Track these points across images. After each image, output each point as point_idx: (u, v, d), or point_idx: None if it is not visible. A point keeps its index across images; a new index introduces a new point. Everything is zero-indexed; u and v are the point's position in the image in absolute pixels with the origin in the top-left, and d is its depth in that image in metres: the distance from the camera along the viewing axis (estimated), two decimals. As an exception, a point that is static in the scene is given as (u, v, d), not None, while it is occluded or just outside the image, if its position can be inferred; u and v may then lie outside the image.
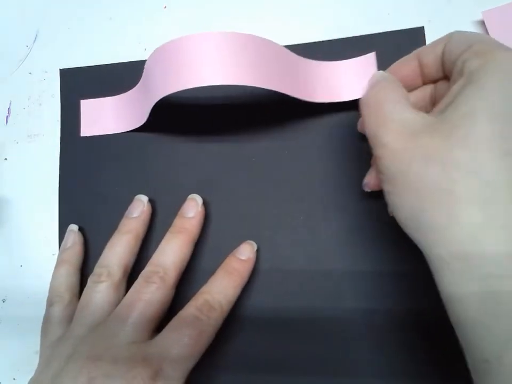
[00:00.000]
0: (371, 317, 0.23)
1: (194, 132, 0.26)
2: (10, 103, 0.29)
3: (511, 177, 0.15)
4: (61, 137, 0.28)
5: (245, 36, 0.20)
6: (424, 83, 0.21)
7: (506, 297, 0.14)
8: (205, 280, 0.23)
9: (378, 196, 0.24)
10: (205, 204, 0.25)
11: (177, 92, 0.20)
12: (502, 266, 0.14)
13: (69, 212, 0.27)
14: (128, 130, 0.26)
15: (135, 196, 0.26)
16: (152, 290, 0.21)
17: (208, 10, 0.29)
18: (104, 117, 0.27)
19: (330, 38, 0.26)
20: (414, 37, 0.25)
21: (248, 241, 0.24)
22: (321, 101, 0.24)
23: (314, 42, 0.26)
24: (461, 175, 0.15)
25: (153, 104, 0.23)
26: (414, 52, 0.20)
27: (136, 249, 0.24)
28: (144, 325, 0.21)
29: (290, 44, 0.27)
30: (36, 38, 0.30)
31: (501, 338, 0.14)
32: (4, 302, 0.27)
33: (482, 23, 0.25)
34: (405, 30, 0.26)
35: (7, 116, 0.29)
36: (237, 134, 0.26)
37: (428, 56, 0.20)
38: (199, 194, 0.25)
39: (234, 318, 0.23)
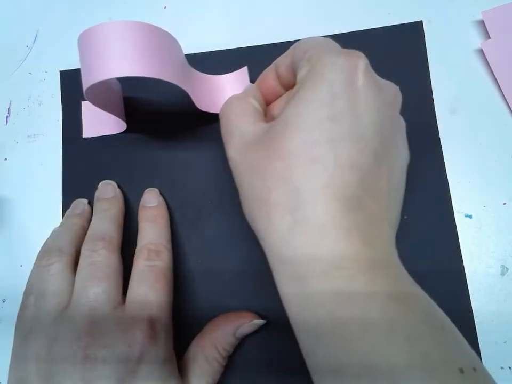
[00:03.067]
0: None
1: (197, 131, 0.26)
2: (10, 103, 0.29)
3: (317, 184, 0.15)
4: (62, 138, 0.28)
5: (148, 26, 0.19)
6: (287, 90, 0.21)
7: (314, 296, 0.15)
8: (208, 278, 0.23)
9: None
10: (210, 202, 0.25)
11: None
12: (308, 267, 0.15)
13: None
14: (123, 130, 0.26)
15: (139, 195, 0.26)
16: (100, 253, 0.21)
17: (208, 10, 0.29)
18: (106, 117, 0.27)
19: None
20: (412, 31, 0.26)
21: (149, 188, 0.25)
22: (206, 110, 0.23)
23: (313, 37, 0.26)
24: (275, 184, 0.16)
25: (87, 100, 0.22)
26: (274, 62, 0.21)
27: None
28: (115, 289, 0.21)
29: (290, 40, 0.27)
30: (35, 38, 0.30)
31: (313, 335, 0.15)
32: (3, 302, 0.27)
33: (482, 23, 0.25)
34: (403, 24, 0.26)
35: (7, 116, 0.29)
36: None
37: (281, 67, 0.20)
38: (202, 193, 0.25)
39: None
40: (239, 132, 0.18)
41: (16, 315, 0.22)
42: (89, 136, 0.27)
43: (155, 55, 0.19)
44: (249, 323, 0.22)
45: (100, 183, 0.26)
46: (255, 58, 0.25)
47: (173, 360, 0.20)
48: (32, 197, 0.28)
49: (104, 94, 0.24)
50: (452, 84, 0.25)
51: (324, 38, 0.19)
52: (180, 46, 0.21)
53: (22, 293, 0.22)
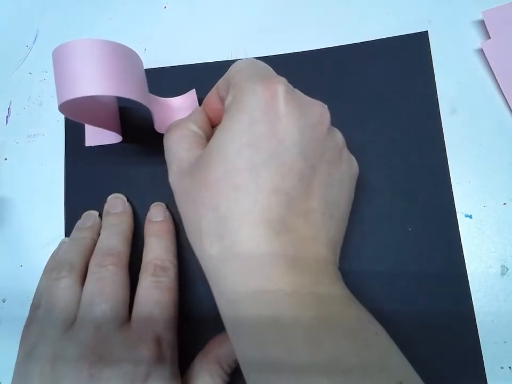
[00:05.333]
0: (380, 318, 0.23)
1: None
2: (10, 103, 0.29)
3: (240, 210, 0.16)
4: (65, 146, 0.28)
5: (113, 44, 0.19)
6: None
7: (242, 321, 0.15)
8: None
9: (387, 198, 0.24)
10: None
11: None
12: (237, 292, 0.15)
13: (75, 222, 0.26)
14: (127, 140, 0.26)
15: (141, 204, 0.25)
16: (108, 269, 0.21)
17: (208, 10, 0.29)
18: None
19: (329, 39, 0.26)
20: (417, 41, 0.25)
21: (155, 203, 0.25)
22: (161, 132, 0.22)
23: (323, 48, 0.26)
24: (204, 213, 0.16)
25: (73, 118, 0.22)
26: (215, 85, 0.21)
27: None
28: (122, 306, 0.21)
29: (292, 47, 0.27)
30: (35, 38, 0.30)
31: (244, 357, 0.16)
32: (4, 302, 0.27)
33: (482, 23, 0.25)
34: (408, 35, 0.25)
35: (7, 116, 0.29)
36: None
37: (221, 89, 0.20)
38: None
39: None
40: (176, 159, 0.19)
41: (15, 315, 0.22)
42: (92, 145, 0.27)
43: (122, 74, 0.19)
44: None
45: (109, 197, 0.25)
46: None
47: (178, 377, 0.20)
48: (32, 197, 0.28)
49: (87, 109, 0.23)
50: (452, 84, 0.25)
51: (251, 61, 0.19)
52: (143, 66, 0.21)
53: (22, 293, 0.22)
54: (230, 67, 0.19)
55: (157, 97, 0.24)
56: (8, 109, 0.29)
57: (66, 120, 0.28)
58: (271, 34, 0.27)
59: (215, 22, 0.28)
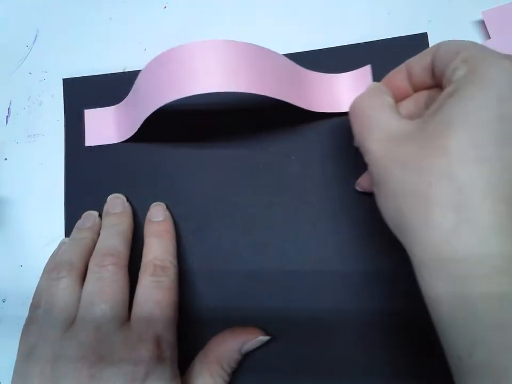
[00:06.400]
0: (381, 318, 0.23)
1: (200, 141, 0.26)
2: (10, 103, 0.29)
3: (484, 183, 0.15)
4: (65, 146, 0.28)
5: (244, 45, 0.20)
6: (415, 91, 0.21)
7: (475, 297, 0.15)
8: (211, 290, 0.24)
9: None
10: (213, 212, 0.25)
11: (181, 100, 0.20)
12: (471, 268, 0.15)
13: (75, 222, 0.26)
14: (127, 139, 0.26)
15: (141, 204, 0.25)
16: (108, 269, 0.21)
17: (208, 10, 0.29)
18: (108, 126, 0.27)
19: (329, 38, 0.26)
20: (416, 43, 0.25)
21: (155, 203, 0.25)
22: (320, 110, 0.24)
23: (317, 49, 0.26)
24: (436, 181, 0.16)
25: (149, 113, 0.22)
26: (404, 63, 0.21)
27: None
28: (121, 306, 0.21)
29: (292, 47, 0.27)
30: (35, 38, 0.30)
31: (471, 337, 0.15)
32: (4, 302, 0.27)
33: (482, 23, 0.25)
34: (407, 36, 0.25)
35: (7, 116, 0.29)
36: (243, 141, 0.26)
37: (416, 67, 0.20)
38: (205, 203, 0.25)
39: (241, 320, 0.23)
40: (383, 127, 0.18)
41: (15, 315, 0.22)
42: (92, 144, 0.27)
43: (247, 70, 0.20)
44: (255, 340, 0.22)
45: (109, 197, 0.25)
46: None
47: (178, 377, 0.20)
48: (32, 197, 0.28)
49: None
50: (451, 84, 0.25)
51: (471, 41, 0.19)
52: (275, 54, 0.22)
53: (22, 293, 0.22)
54: (439, 47, 0.19)
55: (317, 73, 0.24)
56: (8, 109, 0.29)
57: (66, 120, 0.28)
58: (271, 34, 0.27)
59: (215, 22, 0.28)
